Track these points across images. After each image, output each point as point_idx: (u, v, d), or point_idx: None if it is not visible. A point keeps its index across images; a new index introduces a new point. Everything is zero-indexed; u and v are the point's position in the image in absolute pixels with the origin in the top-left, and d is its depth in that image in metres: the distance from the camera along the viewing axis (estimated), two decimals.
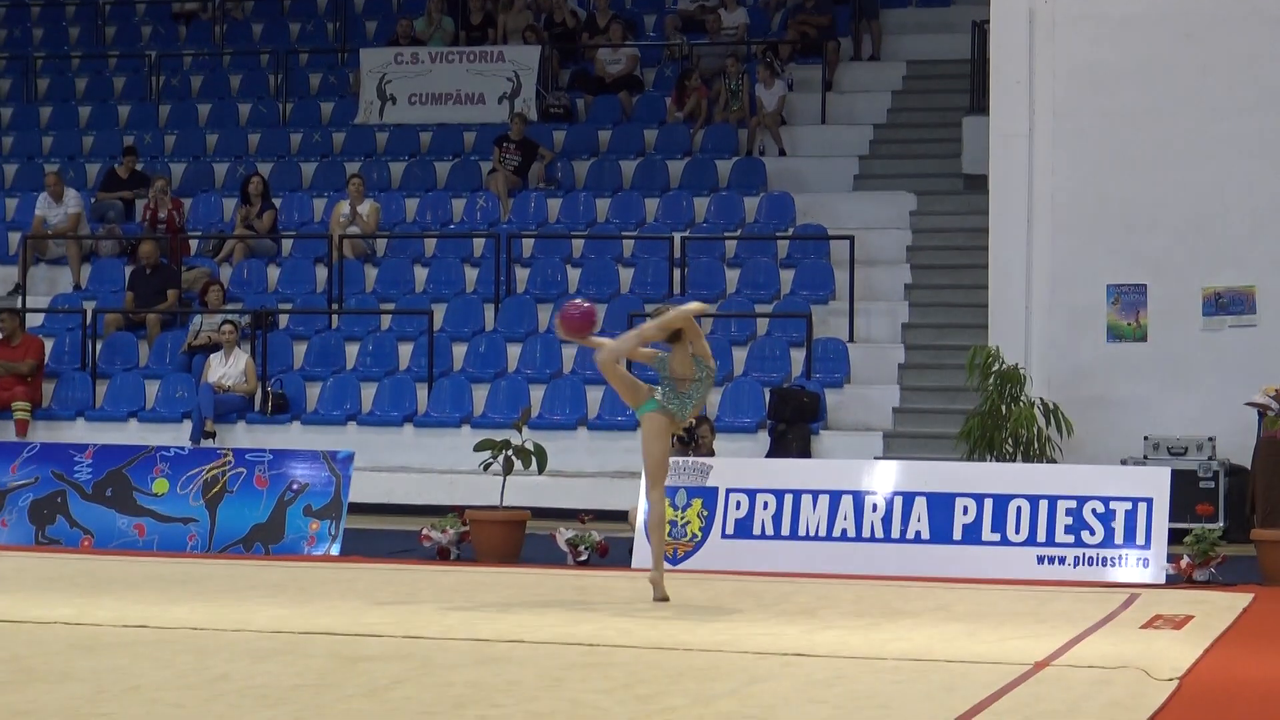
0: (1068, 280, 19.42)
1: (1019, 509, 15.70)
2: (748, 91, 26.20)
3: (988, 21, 20.49)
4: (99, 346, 23.25)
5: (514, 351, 22.38)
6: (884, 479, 16.27)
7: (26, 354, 22.18)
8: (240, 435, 21.14)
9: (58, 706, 8.94)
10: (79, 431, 21.39)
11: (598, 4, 28.48)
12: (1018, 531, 15.61)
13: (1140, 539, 15.38)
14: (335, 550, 16.59)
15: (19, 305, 23.79)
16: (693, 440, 17.68)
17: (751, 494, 16.10)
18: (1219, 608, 13.44)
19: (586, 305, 13.73)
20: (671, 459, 16.72)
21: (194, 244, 25.20)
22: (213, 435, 20.94)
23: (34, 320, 23.58)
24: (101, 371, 22.86)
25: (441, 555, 16.34)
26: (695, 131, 26.29)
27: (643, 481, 13.79)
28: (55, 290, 24.82)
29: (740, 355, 21.92)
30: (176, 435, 21.01)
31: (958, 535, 15.72)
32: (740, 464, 17.19)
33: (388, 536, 17.67)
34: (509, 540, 16.62)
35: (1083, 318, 19.31)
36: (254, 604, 13.10)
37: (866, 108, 26.46)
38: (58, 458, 17.62)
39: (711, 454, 17.42)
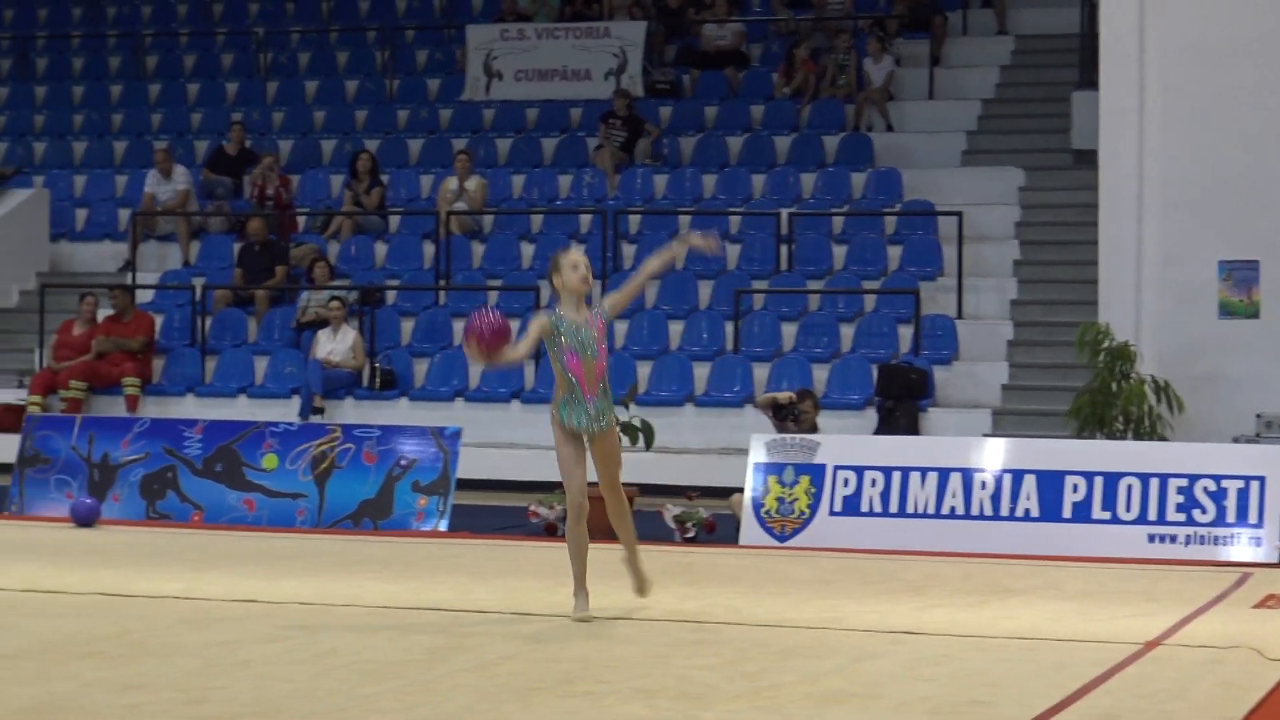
0: (1178, 257, 19.27)
1: (1129, 487, 15.60)
2: (855, 66, 26.11)
3: None
4: (208, 323, 23.43)
5: (620, 327, 22.38)
6: (993, 456, 16.18)
7: (137, 331, 22.39)
8: (348, 411, 21.27)
9: (168, 680, 9.03)
10: (188, 407, 21.57)
11: None
12: (1128, 510, 15.51)
13: (1253, 518, 15.23)
14: (443, 526, 16.66)
15: (129, 282, 24.00)
16: (794, 416, 17.60)
17: (859, 471, 16.07)
18: None
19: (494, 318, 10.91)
20: (777, 437, 16.78)
21: (302, 220, 25.35)
22: (321, 411, 21.07)
23: (144, 297, 23.79)
24: (211, 348, 23.04)
25: (549, 531, 16.40)
26: (802, 107, 26.21)
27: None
28: (165, 267, 25.04)
29: (848, 332, 21.86)
30: (285, 411, 21.16)
31: (1067, 513, 15.63)
32: (848, 441, 17.14)
33: (495, 512, 17.75)
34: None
35: (1194, 294, 19.17)
36: (362, 579, 13.18)
37: (975, 83, 26.33)
38: (168, 433, 17.77)
39: (814, 430, 17.35)
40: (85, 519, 16.76)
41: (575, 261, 10.89)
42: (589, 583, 11.28)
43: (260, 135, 27.27)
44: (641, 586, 11.68)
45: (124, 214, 25.89)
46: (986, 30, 27.38)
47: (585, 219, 24.48)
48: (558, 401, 11.00)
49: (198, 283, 24.02)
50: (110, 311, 22.49)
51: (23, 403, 21.21)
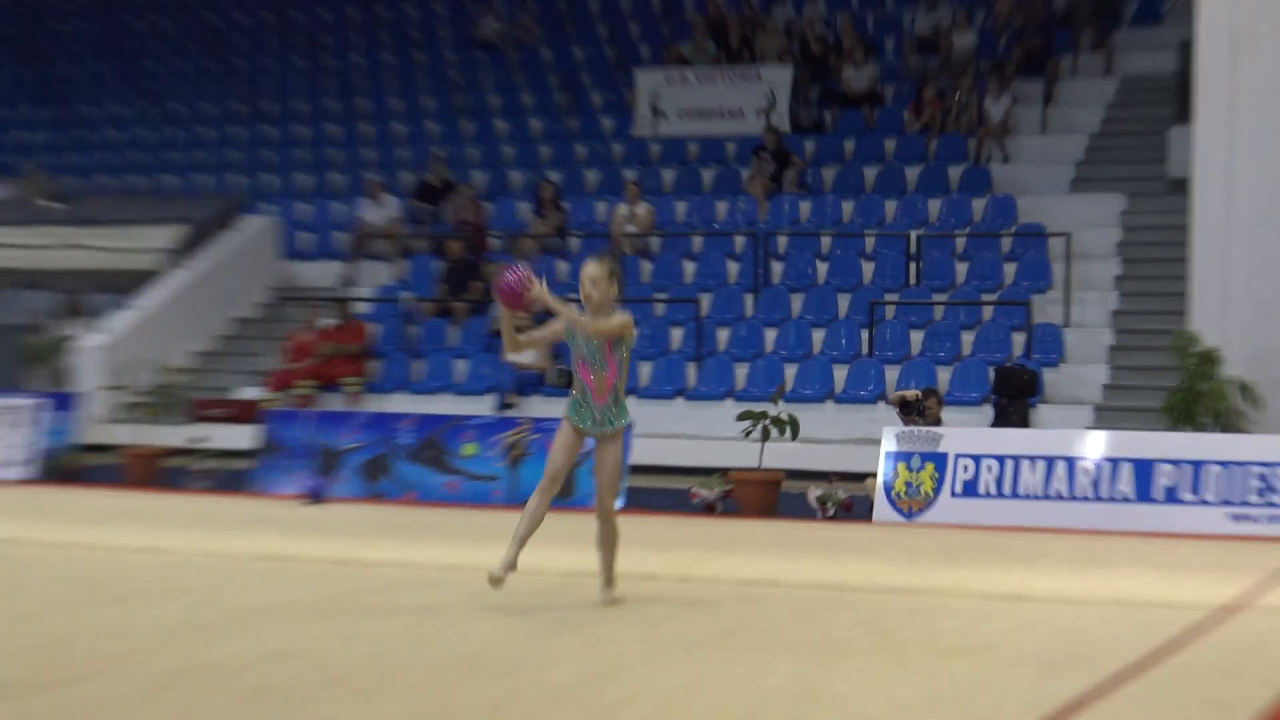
0: (1261, 271, 19.16)
1: (1214, 474, 15.63)
2: (976, 105, 26.01)
3: (1193, 40, 20.21)
4: (416, 331, 23.73)
5: (770, 334, 22.47)
6: (1094, 447, 16.21)
7: (355, 337, 22.71)
8: (536, 406, 21.43)
9: (386, 633, 9.25)
10: (400, 403, 21.80)
11: (843, 28, 28.39)
12: (1212, 493, 15.54)
13: None
14: (619, 505, 16.82)
15: (348, 295, 24.33)
16: (920, 412, 17.67)
17: (977, 459, 16.14)
18: None
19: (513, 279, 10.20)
20: (906, 429, 16.86)
21: (494, 242, 25.56)
22: (513, 406, 21.27)
23: (361, 308, 24.09)
24: (418, 352, 23.31)
25: (708, 510, 16.55)
26: (930, 141, 26.16)
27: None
28: (378, 282, 25.33)
29: (968, 338, 21.83)
30: (482, 406, 21.37)
31: (1158, 496, 15.68)
32: (968, 433, 17.16)
33: (663, 494, 17.84)
34: (766, 497, 16.78)
35: (1275, 305, 19.06)
36: (550, 550, 13.37)
37: (1082, 119, 26.17)
38: (384, 425, 18.10)
39: (938, 423, 17.39)
40: (315, 497, 17.13)
41: (583, 278, 10.14)
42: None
43: (458, 169, 27.51)
44: (609, 593, 10.55)
45: (343, 237, 26.21)
46: (1094, 72, 27.19)
47: (739, 240, 24.54)
48: (571, 400, 10.25)
49: (406, 296, 24.30)
50: (332, 321, 22.81)
51: (261, 399, 21.55)
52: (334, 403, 21.87)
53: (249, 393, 22.45)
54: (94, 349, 22.90)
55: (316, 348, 22.45)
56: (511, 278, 10.10)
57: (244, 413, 21.23)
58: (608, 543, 10.54)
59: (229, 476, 18.34)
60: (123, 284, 24.73)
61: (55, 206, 26.34)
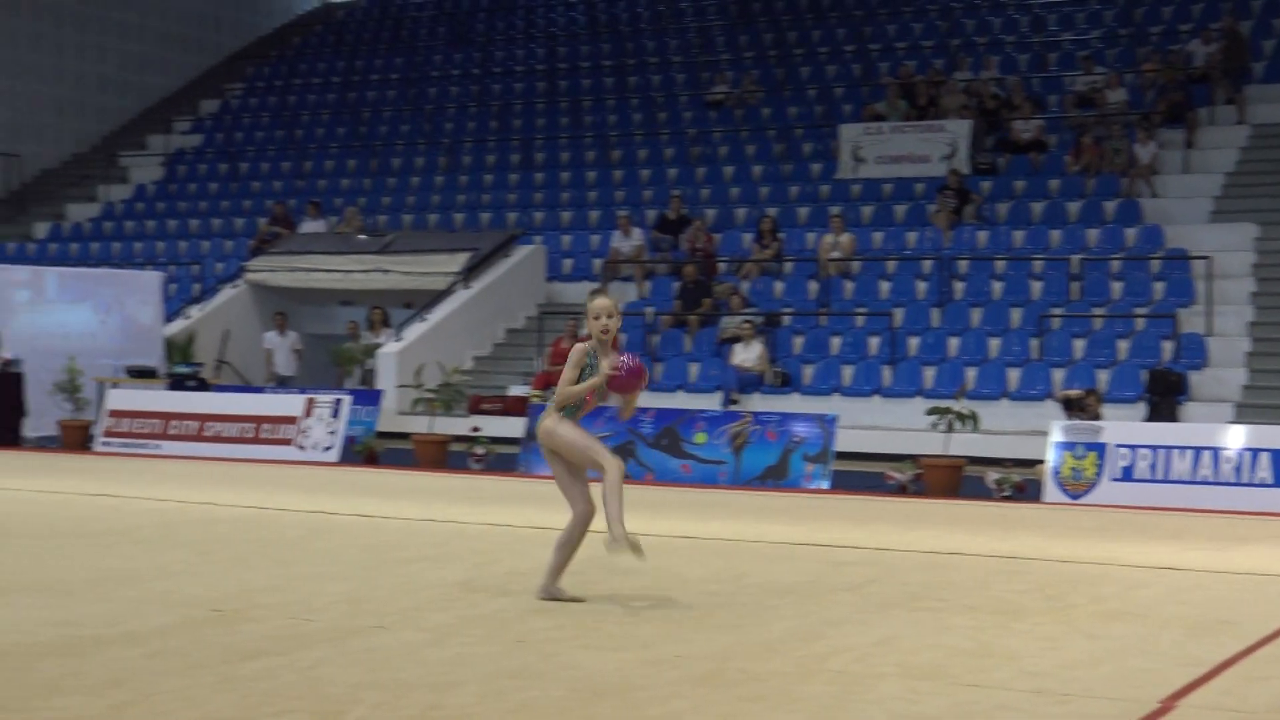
0: None
1: None
2: (1127, 149, 25.49)
3: None
4: (657, 339, 23.75)
5: (953, 342, 22.19)
6: (1235, 438, 15.70)
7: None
8: (756, 402, 21.35)
9: (630, 590, 9.19)
10: (642, 399, 21.80)
11: (1014, 87, 28.05)
12: None
13: None
14: (825, 485, 16.67)
15: None
16: (1082, 408, 17.30)
17: (1133, 448, 15.71)
18: None
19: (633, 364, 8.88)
20: (1070, 423, 16.45)
21: (722, 266, 25.53)
22: (736, 402, 21.20)
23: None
24: (659, 356, 23.35)
25: (901, 490, 16.29)
26: (1088, 180, 25.65)
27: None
28: (625, 299, 25.43)
29: (1124, 345, 21.36)
30: (711, 402, 21.33)
31: None
32: (1125, 426, 16.72)
33: (862, 476, 17.66)
34: (951, 480, 16.52)
35: None
36: (768, 523, 13.26)
37: (1220, 160, 25.47)
38: (630, 418, 18.07)
39: (1098, 418, 17.02)
40: None
41: (597, 311, 8.74)
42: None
43: (693, 205, 27.53)
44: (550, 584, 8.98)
45: (597, 262, 26.35)
46: (1229, 121, 26.45)
47: (926, 264, 24.27)
48: (566, 410, 8.82)
49: (649, 310, 24.36)
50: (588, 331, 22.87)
51: (527, 395, 21.70)
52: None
53: (518, 390, 22.62)
54: (393, 354, 23.21)
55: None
56: (628, 369, 8.77)
57: (513, 407, 21.40)
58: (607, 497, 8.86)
59: (500, 460, 18.42)
60: (418, 300, 25.07)
61: (366, 239, 26.76)
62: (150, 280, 24.69)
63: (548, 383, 22.12)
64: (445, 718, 6.01)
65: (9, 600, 8.54)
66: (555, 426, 8.80)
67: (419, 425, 20.17)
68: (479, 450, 18.49)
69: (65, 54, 35.95)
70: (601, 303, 8.84)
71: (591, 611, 8.45)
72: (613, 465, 8.79)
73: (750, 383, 21.83)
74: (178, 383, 22.08)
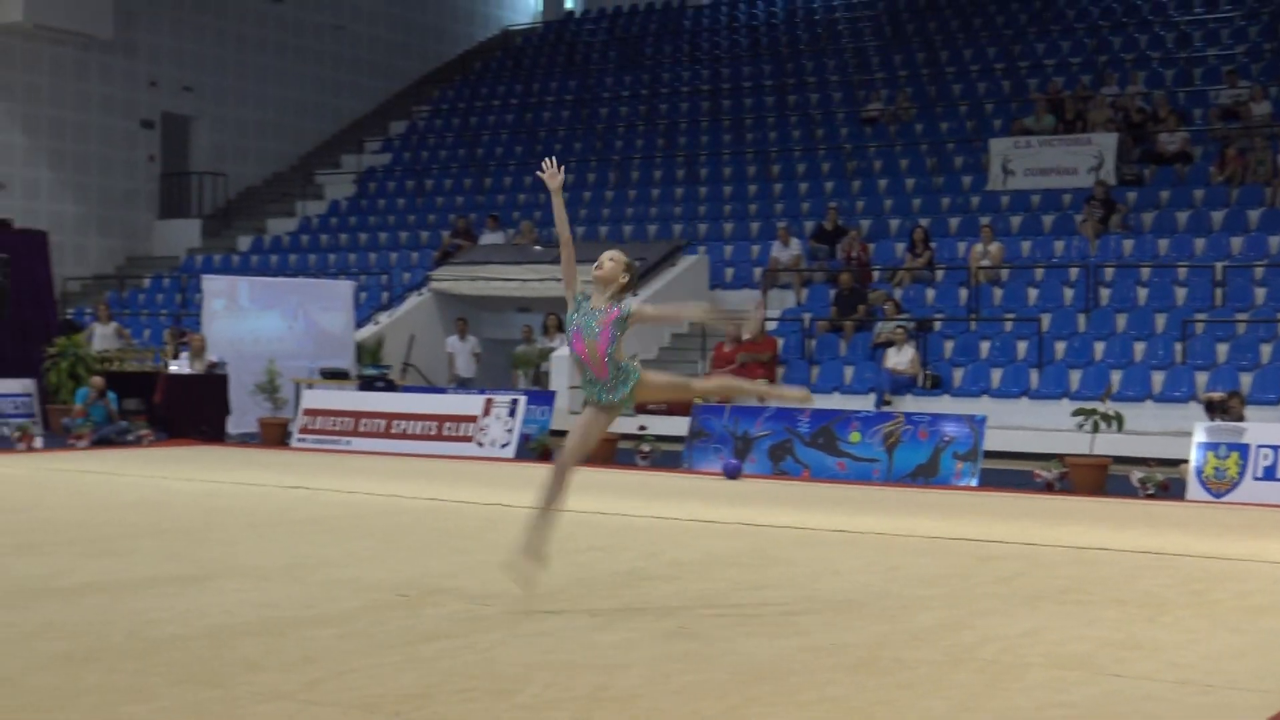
0: None
1: None
2: (1271, 160, 24.83)
3: None
4: (814, 343, 23.60)
5: (1099, 346, 21.73)
6: None
7: (766, 348, 22.66)
8: (908, 403, 21.11)
9: (788, 581, 9.14)
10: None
11: (1159, 101, 27.45)
12: None
13: None
14: (974, 483, 16.43)
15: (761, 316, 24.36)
16: (1225, 410, 16.85)
17: (1275, 449, 15.23)
18: None
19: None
20: (1213, 424, 16.03)
21: (876, 274, 25.30)
22: (889, 403, 20.98)
23: (771, 325, 24.08)
24: (815, 359, 23.20)
25: (1048, 488, 15.99)
26: (1232, 190, 25.00)
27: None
28: (784, 305, 25.30)
29: (1266, 349, 20.73)
30: (865, 403, 21.14)
31: None
32: (1267, 427, 16.18)
33: (1010, 474, 17.39)
34: (1096, 478, 16.19)
35: None
36: (918, 519, 13.11)
37: None
38: (788, 417, 17.96)
39: (1241, 420, 16.55)
40: (732, 474, 17.08)
41: (601, 259, 8.44)
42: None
43: (848, 217, 27.33)
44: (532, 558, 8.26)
45: (757, 271, 26.26)
46: None
47: (1074, 271, 23.81)
48: (582, 383, 8.47)
49: (806, 316, 24.21)
50: (748, 336, 22.84)
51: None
52: (748, 399, 21.88)
53: None
54: (565, 357, 23.33)
55: (736, 356, 22.51)
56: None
57: (678, 407, 21.35)
58: (548, 493, 8.29)
59: (665, 456, 18.44)
60: None
61: (541, 249, 26.95)
62: (343, 289, 25.11)
63: None
64: (613, 698, 6.02)
65: (214, 584, 8.72)
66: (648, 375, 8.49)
67: None
68: (645, 447, 18.52)
69: (267, 82, 36.72)
70: (611, 250, 8.59)
71: (751, 600, 8.42)
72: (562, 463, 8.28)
73: (902, 385, 21.59)
74: (367, 383, 22.41)
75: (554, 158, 8.70)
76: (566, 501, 8.41)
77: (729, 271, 26.85)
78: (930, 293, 24.45)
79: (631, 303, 8.47)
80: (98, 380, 20.88)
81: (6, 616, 7.51)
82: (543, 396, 21.52)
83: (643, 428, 19.45)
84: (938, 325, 23.36)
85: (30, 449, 19.07)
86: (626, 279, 8.46)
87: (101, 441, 19.95)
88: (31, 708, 5.71)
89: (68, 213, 32.26)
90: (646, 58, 38.11)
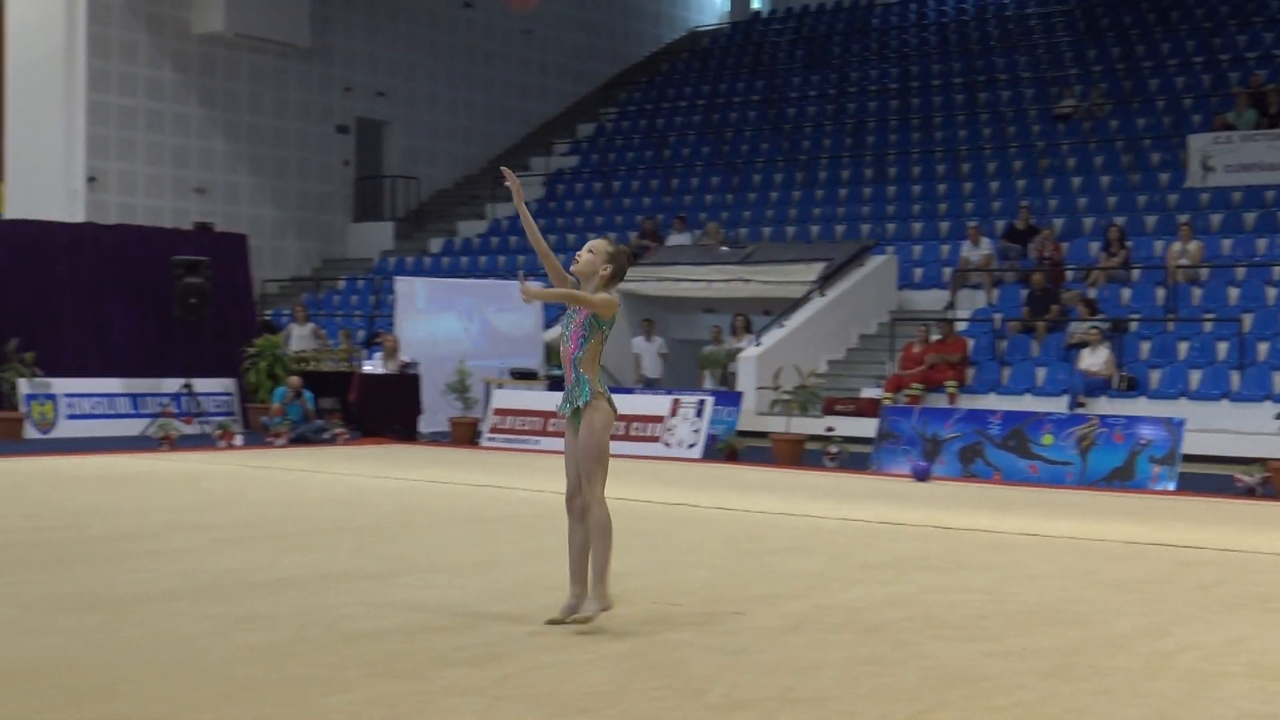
0: None
1: None
2: None
3: None
4: (1005, 344, 23.24)
5: None
6: None
7: (956, 349, 22.38)
8: (1103, 405, 20.66)
9: (975, 586, 9.00)
10: (991, 401, 21.38)
11: None
12: None
13: None
14: (1171, 487, 16.03)
15: (950, 316, 24.02)
16: None
17: None
18: None
19: None
20: None
21: (1069, 274, 24.82)
22: (1083, 405, 20.56)
23: (960, 326, 23.77)
24: (1006, 360, 22.84)
25: (1249, 493, 15.52)
26: None
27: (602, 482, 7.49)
28: (974, 305, 24.94)
29: None
30: (1057, 405, 20.74)
31: None
32: None
33: (1209, 479, 16.92)
34: None
35: None
36: (1113, 523, 12.82)
37: None
38: (978, 419, 17.73)
39: None
40: (921, 476, 16.90)
41: (581, 250, 7.75)
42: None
43: (1040, 216, 26.86)
44: (590, 608, 7.43)
45: (947, 271, 25.94)
46: None
47: (1277, 270, 23.09)
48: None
49: (997, 317, 23.85)
50: (937, 336, 22.56)
51: (880, 397, 21.51)
52: (938, 401, 21.61)
53: (871, 392, 22.42)
54: (753, 358, 23.29)
55: (925, 357, 22.27)
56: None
57: (866, 408, 21.22)
58: (593, 539, 7.46)
59: (853, 458, 18.31)
60: (777, 308, 25.10)
61: (728, 250, 26.96)
62: None
63: (899, 385, 21.93)
64: (802, 699, 5.99)
65: (407, 579, 8.88)
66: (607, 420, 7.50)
67: (777, 425, 20.20)
68: (833, 449, 18.41)
69: (457, 86, 37.29)
70: (594, 241, 7.84)
71: (941, 604, 8.32)
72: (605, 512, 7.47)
73: (1097, 387, 21.15)
74: (556, 383, 22.64)
75: (509, 168, 7.88)
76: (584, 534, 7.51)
77: (918, 272, 26.57)
78: (1126, 292, 23.90)
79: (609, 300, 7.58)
80: (295, 380, 21.42)
81: (210, 609, 7.74)
82: (730, 397, 21.51)
83: (830, 429, 19.35)
84: (1134, 326, 22.83)
85: (231, 446, 19.62)
86: (609, 270, 7.63)
87: (298, 439, 20.45)
88: (233, 698, 5.88)
89: (266, 216, 33.13)
90: (834, 56, 37.89)
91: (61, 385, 21.32)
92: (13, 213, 28.00)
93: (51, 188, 29.66)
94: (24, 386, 20.78)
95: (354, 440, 21.04)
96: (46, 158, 29.84)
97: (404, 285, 24.25)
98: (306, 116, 33.97)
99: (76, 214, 28.75)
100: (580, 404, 7.46)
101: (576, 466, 7.48)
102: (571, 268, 7.72)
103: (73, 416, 21.24)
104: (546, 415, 20.72)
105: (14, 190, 29.17)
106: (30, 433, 20.64)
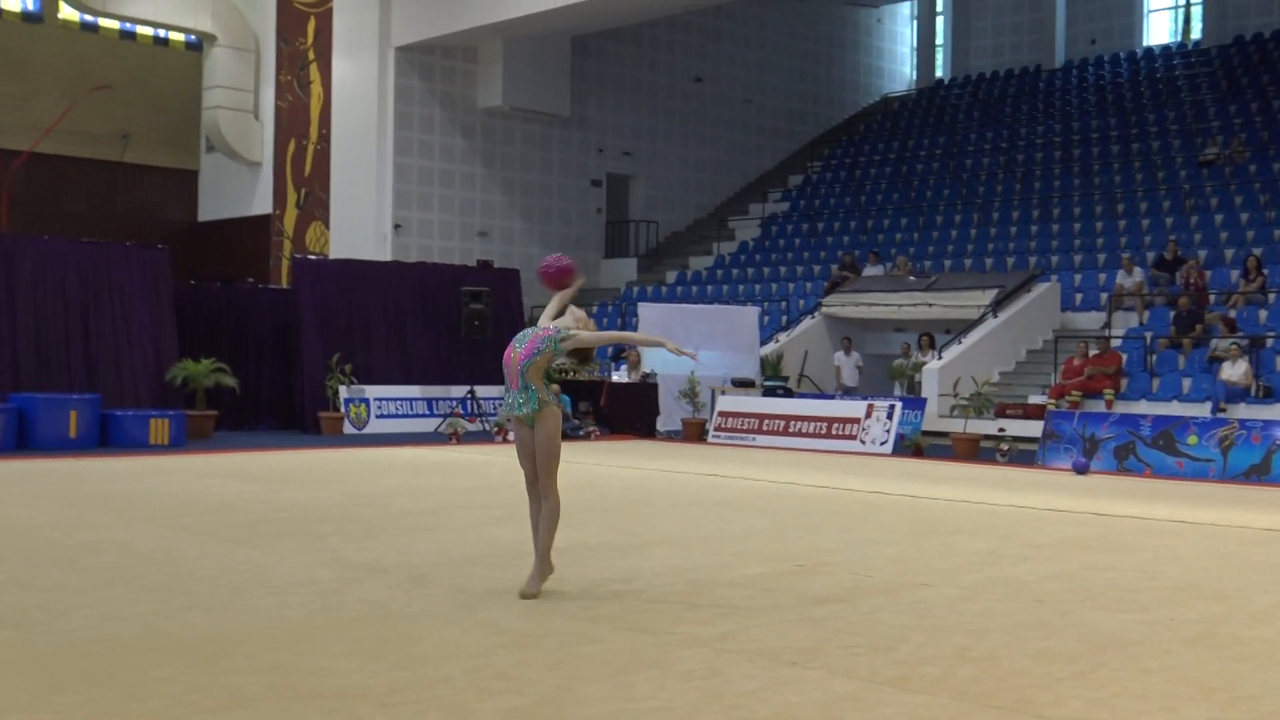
0: None
1: None
2: None
3: None
4: (1154, 358, 22.41)
5: None
6: None
7: (1111, 362, 21.64)
8: (1241, 410, 19.73)
9: (1128, 564, 8.71)
10: (1142, 407, 20.65)
11: None
12: None
13: None
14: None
15: (1107, 334, 23.28)
16: None
17: None
18: None
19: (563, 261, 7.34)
20: None
21: (1212, 297, 23.84)
22: (1224, 410, 19.71)
23: (1115, 342, 23.03)
24: (1156, 372, 22.02)
25: None
26: None
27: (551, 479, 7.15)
28: (1128, 325, 24.12)
29: None
30: (1201, 410, 19.92)
31: None
32: None
33: None
34: None
35: None
36: (1251, 513, 12.26)
37: None
38: (1131, 422, 17.16)
39: None
40: (1081, 470, 16.42)
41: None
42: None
43: (1186, 248, 25.85)
44: (534, 585, 7.11)
45: (1104, 296, 25.14)
46: None
47: None
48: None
49: (1148, 335, 23.01)
50: (1096, 351, 21.87)
51: (1045, 403, 20.94)
52: (1095, 406, 20.96)
53: (1036, 399, 21.83)
54: (935, 369, 22.88)
55: (1084, 369, 21.60)
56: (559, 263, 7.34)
57: (1033, 412, 20.68)
58: (543, 522, 7.18)
59: (1021, 454, 17.85)
60: (956, 327, 24.64)
61: (914, 280, 26.55)
62: (750, 314, 25.36)
63: (1062, 393, 21.32)
64: (976, 658, 5.87)
65: (646, 551, 8.94)
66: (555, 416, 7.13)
67: (955, 426, 19.82)
68: (1004, 446, 17.99)
69: (689, 146, 37.48)
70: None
71: (1098, 579, 8.06)
72: (556, 499, 7.17)
73: (1236, 395, 20.24)
74: (769, 391, 22.56)
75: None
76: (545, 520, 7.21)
77: (1078, 296, 25.80)
78: (1263, 313, 22.84)
79: (568, 323, 7.23)
80: (555, 387, 21.75)
81: (494, 573, 7.91)
82: (915, 402, 21.18)
83: (1002, 430, 18.92)
84: (1269, 341, 21.81)
85: (505, 441, 19.98)
86: (567, 304, 7.32)
87: None
88: (508, 646, 5.99)
89: (534, 254, 33.73)
90: (1007, 115, 37.09)
91: (372, 391, 22.03)
92: (336, 253, 29.05)
93: (367, 233, 30.69)
94: (344, 392, 21.52)
95: (604, 436, 21.29)
96: (363, 209, 30.90)
97: (645, 310, 24.45)
98: (566, 173, 34.52)
99: (385, 254, 29.71)
100: (530, 410, 7.09)
101: (532, 461, 7.13)
102: (567, 328, 7.22)
103: (381, 416, 21.92)
104: (762, 417, 20.69)
105: (337, 235, 30.26)
106: (348, 429, 21.36)
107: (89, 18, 31.96)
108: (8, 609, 6.54)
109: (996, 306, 24.54)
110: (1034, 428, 18.78)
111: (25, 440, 16.90)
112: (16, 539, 8.94)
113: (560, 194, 34.46)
